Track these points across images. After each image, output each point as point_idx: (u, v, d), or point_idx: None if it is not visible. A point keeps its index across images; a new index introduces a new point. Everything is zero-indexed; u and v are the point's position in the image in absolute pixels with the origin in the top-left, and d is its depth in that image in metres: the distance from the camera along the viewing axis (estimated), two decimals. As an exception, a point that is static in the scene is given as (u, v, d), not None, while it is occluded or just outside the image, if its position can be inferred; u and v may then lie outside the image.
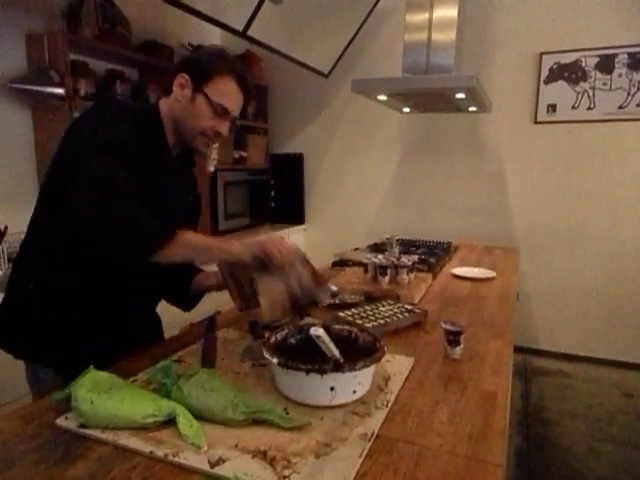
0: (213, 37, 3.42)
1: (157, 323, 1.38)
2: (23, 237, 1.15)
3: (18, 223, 2.13)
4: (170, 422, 0.80)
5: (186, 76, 1.10)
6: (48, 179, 1.07)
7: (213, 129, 1.13)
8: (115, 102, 1.11)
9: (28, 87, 2.19)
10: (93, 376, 0.85)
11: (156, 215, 0.96)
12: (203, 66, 1.11)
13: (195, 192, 1.32)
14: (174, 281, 1.31)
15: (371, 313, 1.35)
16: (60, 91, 2.20)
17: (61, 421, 0.82)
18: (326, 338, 0.87)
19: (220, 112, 1.11)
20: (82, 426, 0.80)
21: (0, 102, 2.18)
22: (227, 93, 1.11)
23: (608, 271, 2.96)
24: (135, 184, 0.97)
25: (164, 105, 1.15)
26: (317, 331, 0.86)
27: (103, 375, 0.86)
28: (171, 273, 1.24)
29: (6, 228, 2.00)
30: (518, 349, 3.08)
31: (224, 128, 1.14)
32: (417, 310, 1.39)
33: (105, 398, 0.80)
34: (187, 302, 1.35)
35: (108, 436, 0.77)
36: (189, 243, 0.99)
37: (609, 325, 3.00)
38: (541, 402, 2.58)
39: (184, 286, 1.33)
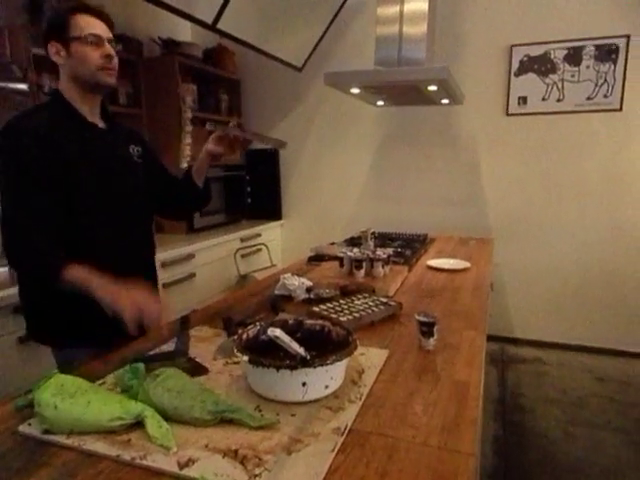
0: (183, 31, 3.36)
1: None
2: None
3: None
4: (139, 425, 0.78)
5: (52, 42, 1.21)
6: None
7: (102, 57, 1.22)
8: (15, 121, 1.19)
9: (-11, 83, 2.10)
10: (57, 380, 0.82)
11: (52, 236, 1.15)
12: (54, 24, 1.22)
13: (139, 141, 1.45)
14: (182, 196, 1.56)
15: (346, 307, 1.35)
16: (23, 87, 2.13)
17: (24, 428, 0.79)
18: (285, 337, 0.85)
19: (94, 40, 1.21)
20: (46, 432, 0.77)
21: (-41, 99, 2.09)
22: (85, 25, 1.21)
23: (579, 259, 3.03)
24: (58, 173, 1.16)
25: (62, 84, 1.26)
26: (274, 332, 0.85)
27: (68, 378, 0.83)
28: (174, 197, 1.54)
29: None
30: (494, 338, 3.14)
31: (109, 50, 1.24)
32: (392, 303, 1.39)
33: (70, 402, 0.77)
34: (204, 196, 1.59)
35: (73, 441, 0.75)
36: (73, 280, 1.10)
37: (581, 312, 3.08)
38: (517, 389, 2.63)
39: (192, 188, 1.55)
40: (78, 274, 1.10)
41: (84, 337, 1.23)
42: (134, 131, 1.49)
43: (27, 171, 1.14)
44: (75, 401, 0.77)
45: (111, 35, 1.27)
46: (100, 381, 0.94)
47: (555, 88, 2.93)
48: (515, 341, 3.23)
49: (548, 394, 2.57)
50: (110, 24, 1.27)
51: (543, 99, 2.96)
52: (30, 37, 2.16)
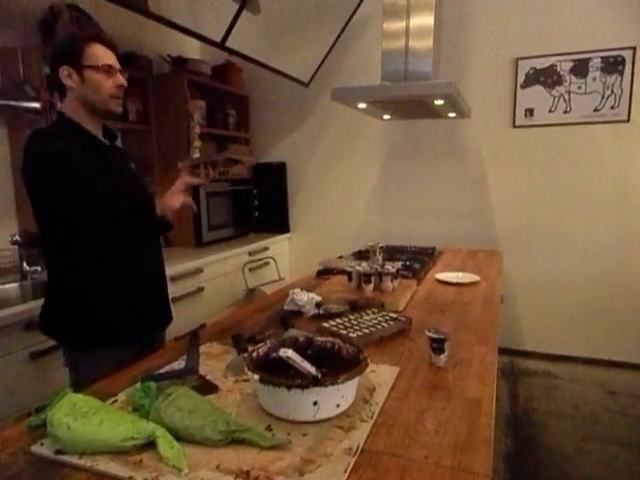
0: (192, 48, 3.41)
1: (168, 301, 1.57)
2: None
3: (-6, 239, 2.10)
4: (151, 445, 0.78)
5: (65, 67, 1.26)
6: (45, 198, 1.26)
7: (114, 86, 1.31)
8: (37, 133, 1.30)
9: (3, 102, 2.15)
10: (69, 399, 0.83)
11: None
12: (69, 50, 1.28)
13: (134, 161, 1.55)
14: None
15: (355, 322, 1.34)
16: (36, 105, 2.17)
17: (36, 448, 0.79)
18: (297, 357, 0.85)
19: (107, 70, 1.29)
20: (58, 452, 0.77)
21: (-26, 118, 2.13)
22: (100, 54, 1.29)
23: (589, 271, 3.01)
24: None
25: (66, 106, 1.32)
26: (286, 352, 0.85)
27: (80, 398, 0.84)
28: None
29: (-18, 246, 1.96)
30: (505, 351, 3.10)
31: (121, 80, 1.33)
32: (401, 318, 1.39)
33: (82, 422, 0.77)
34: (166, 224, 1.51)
35: (86, 462, 0.75)
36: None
37: (592, 324, 3.04)
38: (528, 403, 2.59)
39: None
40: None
41: (99, 337, 1.32)
42: (126, 150, 1.63)
43: (70, 153, 1.22)
44: (87, 421, 0.78)
45: (120, 66, 1.35)
46: (112, 399, 0.94)
47: (562, 100, 2.93)
48: (526, 354, 3.19)
49: (560, 408, 2.53)
50: (118, 55, 1.36)
51: (550, 111, 2.96)
52: (43, 57, 2.20)
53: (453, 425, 0.87)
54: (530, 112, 3.00)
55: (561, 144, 2.97)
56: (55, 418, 0.78)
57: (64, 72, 1.27)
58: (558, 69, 2.91)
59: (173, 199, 1.32)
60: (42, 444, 0.80)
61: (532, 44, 2.93)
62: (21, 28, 2.30)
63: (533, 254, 3.12)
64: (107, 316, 1.33)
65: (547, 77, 2.94)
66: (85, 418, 0.78)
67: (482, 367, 1.13)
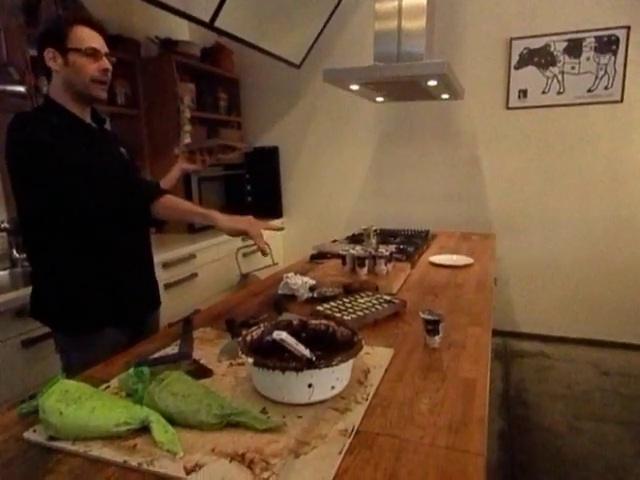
0: (181, 30, 3.34)
1: (154, 284, 1.55)
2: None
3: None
4: (145, 430, 0.77)
5: (50, 49, 1.23)
6: (29, 187, 1.24)
7: (98, 70, 1.27)
8: (21, 116, 1.26)
9: (-14, 86, 2.09)
10: (61, 385, 0.82)
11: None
12: (54, 31, 1.24)
13: (126, 145, 1.49)
14: None
15: (350, 305, 1.34)
16: (21, 89, 2.11)
17: (29, 434, 0.79)
18: (291, 340, 0.85)
19: (92, 53, 1.25)
20: (51, 438, 0.77)
21: (-43, 102, 2.08)
22: (86, 37, 1.25)
23: (582, 253, 3.02)
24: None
25: (52, 89, 1.29)
26: (280, 335, 0.84)
27: (72, 384, 0.83)
28: None
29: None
30: (498, 332, 3.13)
31: (106, 64, 1.29)
32: (396, 300, 1.38)
33: (75, 408, 0.77)
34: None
35: (79, 448, 0.75)
36: (173, 205, 1.25)
37: (585, 305, 3.07)
38: (522, 384, 2.63)
39: None
40: (177, 200, 1.26)
41: (84, 320, 1.32)
42: (116, 133, 1.57)
43: (57, 143, 1.19)
44: (80, 407, 0.77)
45: (107, 49, 1.30)
46: (104, 385, 0.94)
47: (555, 81, 2.91)
48: (519, 335, 3.22)
49: (553, 388, 2.57)
50: (106, 38, 1.31)
51: (543, 92, 2.94)
52: (27, 39, 2.14)
53: (448, 405, 0.88)
54: (524, 93, 2.98)
55: (555, 125, 2.96)
56: (47, 404, 0.77)
57: (49, 54, 1.24)
58: (552, 49, 2.88)
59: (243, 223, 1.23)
60: (35, 431, 0.79)
61: (526, 24, 2.90)
62: (3, 8, 2.23)
63: (526, 237, 3.13)
64: (90, 299, 1.32)
65: (541, 57, 2.91)
66: (77, 404, 0.77)
67: (476, 348, 1.13)
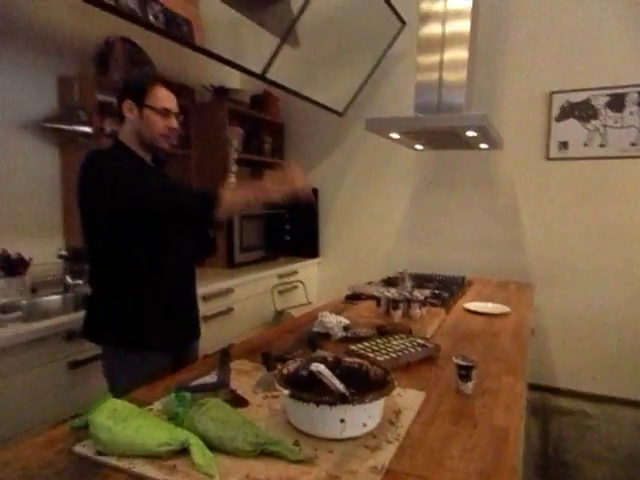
0: (233, 79, 3.58)
1: (197, 314, 1.67)
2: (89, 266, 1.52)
3: (42, 254, 2.23)
4: (184, 451, 0.81)
5: (129, 101, 1.41)
6: (96, 214, 1.38)
7: (166, 127, 1.44)
8: (99, 151, 1.45)
9: (58, 126, 2.31)
10: (110, 404, 0.87)
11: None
12: (136, 87, 1.43)
13: None
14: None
15: (383, 347, 1.36)
16: (87, 129, 2.32)
17: (79, 448, 0.84)
18: (327, 372, 0.88)
19: (164, 113, 1.43)
20: (99, 453, 0.82)
21: (31, 140, 2.29)
22: (162, 97, 1.43)
23: (627, 308, 2.91)
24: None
25: (123, 133, 1.46)
26: (318, 367, 0.88)
27: (120, 403, 0.89)
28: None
29: (30, 259, 2.07)
30: (535, 387, 3.01)
31: (174, 123, 1.46)
32: (429, 344, 1.39)
33: (122, 426, 0.82)
34: (211, 245, 1.72)
35: (124, 464, 0.79)
36: (233, 201, 1.32)
37: (631, 363, 2.92)
38: (560, 443, 2.50)
39: (204, 235, 1.68)
40: (233, 194, 1.34)
41: (137, 341, 1.42)
42: (170, 176, 1.70)
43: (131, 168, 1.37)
44: (127, 425, 0.82)
45: (178, 110, 1.49)
46: (147, 408, 0.99)
47: (597, 134, 2.91)
48: (558, 391, 3.08)
49: (595, 450, 2.43)
50: (175, 93, 1.49)
51: (585, 144, 2.94)
52: (97, 85, 2.37)
53: (479, 452, 0.87)
54: (564, 145, 2.99)
55: (597, 178, 2.94)
56: (97, 421, 0.83)
57: (127, 105, 1.42)
58: (593, 103, 2.90)
59: (289, 179, 1.34)
60: (84, 445, 0.85)
61: (567, 78, 2.95)
62: (78, 59, 2.48)
63: (567, 289, 3.05)
64: (143, 323, 1.44)
65: (582, 111, 2.94)
66: (125, 422, 0.83)
67: (510, 397, 1.13)
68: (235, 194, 1.36)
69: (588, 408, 2.89)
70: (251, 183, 1.39)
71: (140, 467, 0.78)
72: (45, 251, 2.27)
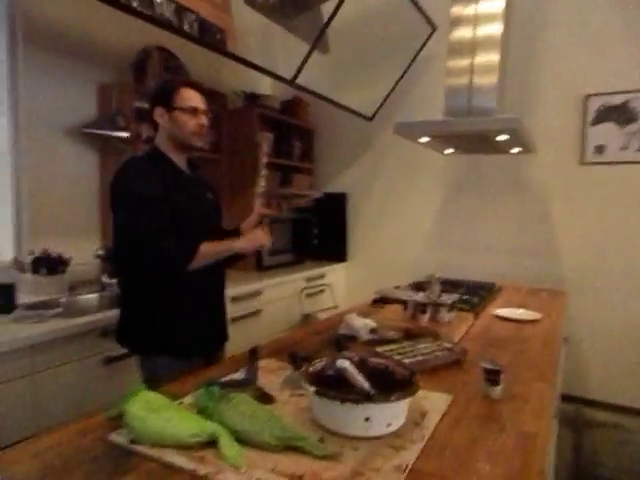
0: (264, 85, 3.64)
1: (225, 320, 1.72)
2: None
3: (81, 255, 2.32)
4: (213, 443, 0.84)
5: (159, 108, 1.47)
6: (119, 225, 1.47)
7: (197, 125, 1.48)
8: (126, 166, 1.48)
9: (98, 131, 2.41)
10: (144, 396, 0.91)
11: (184, 233, 1.42)
12: (163, 93, 1.49)
13: (212, 190, 1.69)
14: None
15: (410, 350, 1.36)
16: (125, 135, 2.41)
17: (114, 436, 0.88)
18: (353, 370, 0.89)
19: (193, 112, 1.47)
20: (132, 442, 0.85)
21: (73, 145, 2.41)
22: (189, 97, 1.48)
23: (667, 318, 2.80)
24: (168, 213, 1.40)
25: (158, 140, 1.53)
26: (343, 363, 0.89)
27: (153, 395, 0.92)
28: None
29: (70, 259, 2.16)
30: (569, 398, 2.92)
31: (204, 120, 1.51)
32: (456, 349, 1.38)
33: (155, 417, 0.85)
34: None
35: (156, 453, 0.83)
36: (206, 253, 1.42)
37: (670, 376, 2.80)
38: (595, 457, 2.42)
39: None
40: (208, 246, 1.43)
41: (167, 351, 1.46)
42: (205, 179, 1.73)
43: (147, 197, 1.39)
44: (159, 416, 0.85)
45: (206, 108, 1.52)
46: (179, 401, 1.02)
47: (635, 137, 2.82)
48: (592, 403, 2.98)
49: (631, 465, 2.33)
50: (203, 92, 1.54)
51: (622, 148, 2.86)
52: (134, 92, 2.46)
53: (505, 456, 0.87)
54: (600, 149, 2.91)
55: (635, 182, 2.84)
56: (131, 411, 0.87)
57: (157, 112, 1.48)
58: (631, 106, 2.82)
59: (256, 239, 1.53)
60: (118, 433, 0.88)
61: (602, 81, 2.87)
62: (117, 67, 2.59)
63: (603, 297, 2.95)
64: (175, 333, 1.48)
65: (619, 114, 2.86)
66: (157, 413, 0.86)
67: (539, 403, 1.11)
68: (208, 249, 1.44)
69: (625, 421, 2.78)
70: (224, 242, 1.52)
71: (170, 456, 0.81)
72: (84, 251, 2.36)
